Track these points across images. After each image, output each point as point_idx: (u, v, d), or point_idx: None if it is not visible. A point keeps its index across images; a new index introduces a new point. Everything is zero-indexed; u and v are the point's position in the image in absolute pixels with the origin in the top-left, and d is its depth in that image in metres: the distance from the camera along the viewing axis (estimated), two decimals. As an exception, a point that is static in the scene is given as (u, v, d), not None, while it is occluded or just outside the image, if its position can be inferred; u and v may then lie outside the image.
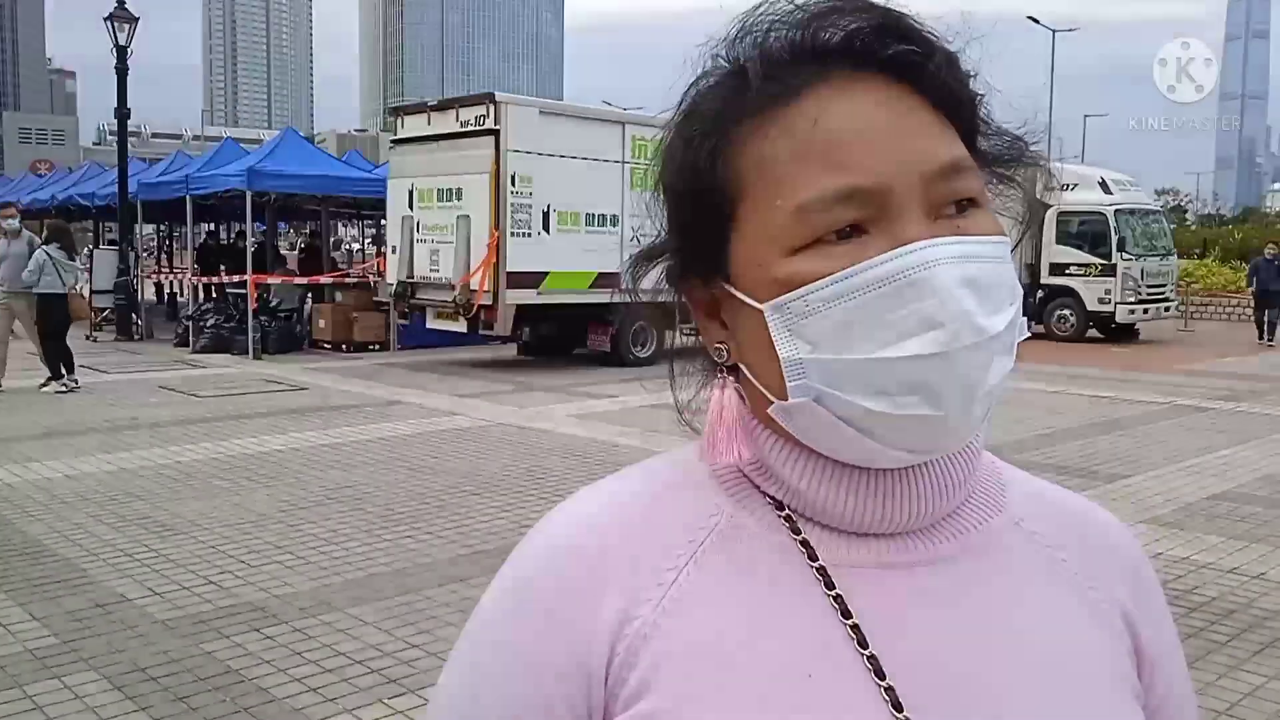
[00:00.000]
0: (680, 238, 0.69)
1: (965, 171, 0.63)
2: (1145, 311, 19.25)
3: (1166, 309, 19.99)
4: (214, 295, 17.12)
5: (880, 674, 0.62)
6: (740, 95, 0.64)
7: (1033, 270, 19.64)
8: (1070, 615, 0.69)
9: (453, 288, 13.19)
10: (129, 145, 18.68)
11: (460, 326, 13.60)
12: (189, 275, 18.31)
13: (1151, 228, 20.06)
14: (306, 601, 4.74)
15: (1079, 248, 19.14)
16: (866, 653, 0.62)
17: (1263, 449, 8.71)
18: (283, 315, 15.88)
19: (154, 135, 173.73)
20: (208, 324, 15.48)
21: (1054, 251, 19.30)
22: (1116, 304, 18.78)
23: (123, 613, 4.55)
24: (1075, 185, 19.64)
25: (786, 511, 0.67)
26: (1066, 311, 19.34)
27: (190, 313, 16.48)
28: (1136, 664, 0.71)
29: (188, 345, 15.44)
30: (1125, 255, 18.76)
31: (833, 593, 0.64)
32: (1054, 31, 42.51)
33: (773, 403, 0.64)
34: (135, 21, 17.45)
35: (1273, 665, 4.20)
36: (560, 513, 0.70)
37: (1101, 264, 18.82)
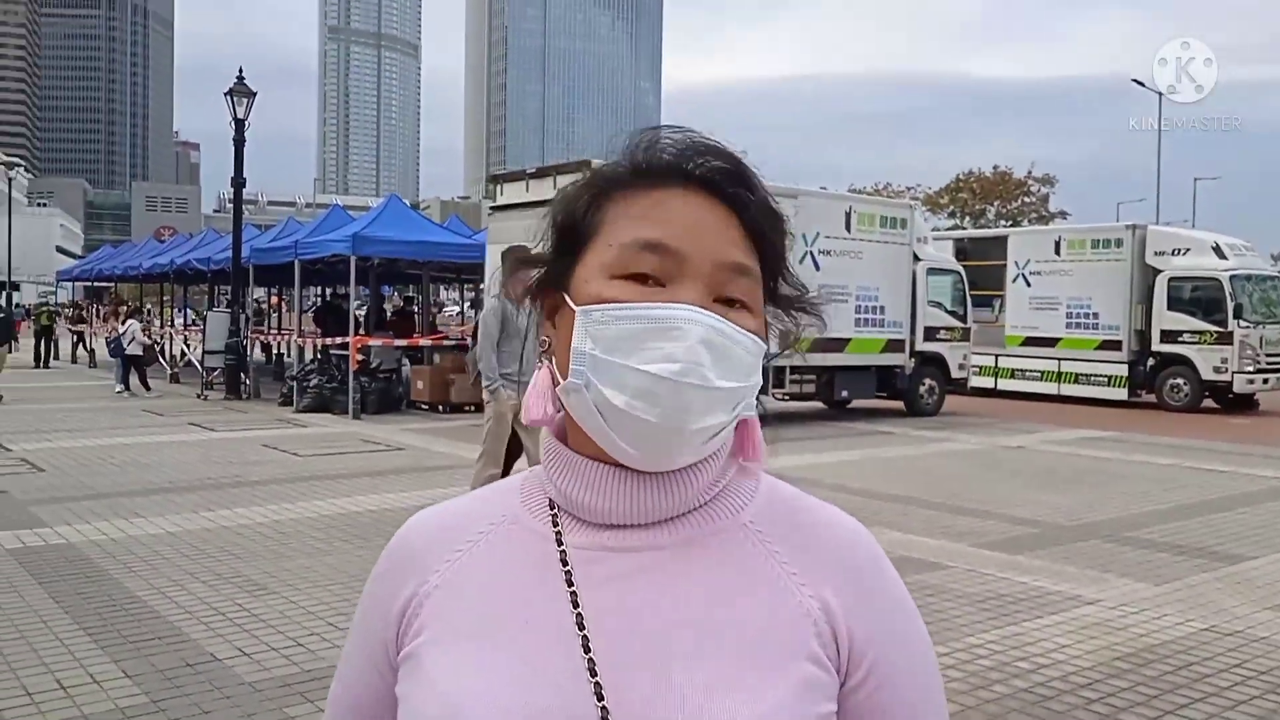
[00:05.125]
0: (552, 257, 0.90)
1: (746, 277, 0.86)
2: (1265, 381, 18.34)
3: (1288, 378, 19.02)
4: (318, 356, 17.61)
5: (581, 625, 0.83)
6: (624, 177, 0.88)
7: (1142, 337, 18.96)
8: (762, 595, 0.85)
9: (547, 351, 13.26)
10: (245, 212, 19.50)
11: (554, 389, 13.63)
12: (295, 336, 18.88)
13: (1270, 294, 19.19)
14: (391, 667, 4.70)
15: (1192, 314, 18.42)
16: (576, 611, 0.84)
17: (1403, 531, 8.09)
18: (382, 376, 16.22)
19: (270, 203, 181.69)
20: (310, 384, 15.89)
21: (1165, 318, 18.61)
22: (1234, 373, 17.95)
23: (211, 673, 4.58)
24: (1187, 250, 18.98)
25: (554, 511, 0.90)
26: (1180, 380, 18.57)
27: (295, 373, 16.96)
28: (836, 649, 0.85)
29: (291, 404, 15.87)
30: (1243, 322, 17.96)
31: (566, 568, 0.86)
32: (1160, 94, 41.52)
33: (560, 384, 0.86)
34: (253, 96, 18.32)
35: None
36: (405, 522, 0.97)
37: (1217, 331, 18.06)
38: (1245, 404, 18.64)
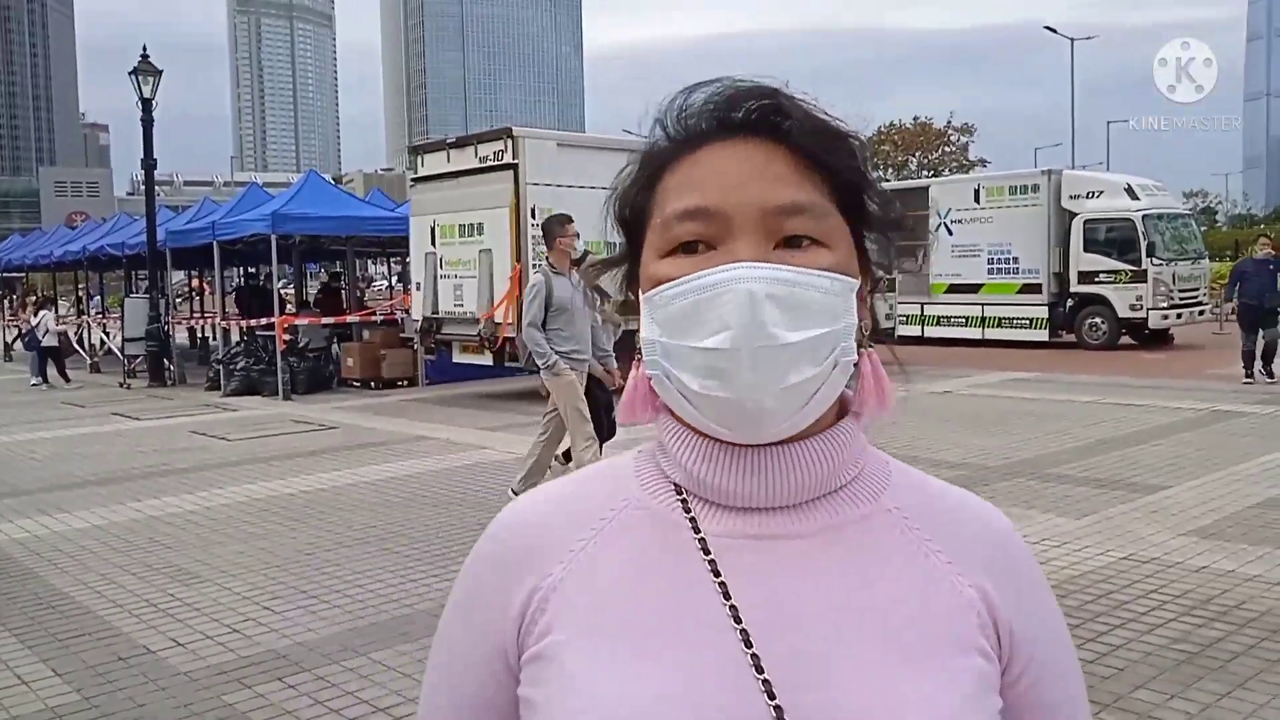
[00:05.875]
0: (625, 255, 0.88)
1: (805, 214, 0.79)
2: (1179, 316, 18.95)
3: (1200, 313, 19.67)
4: (244, 338, 17.25)
5: (738, 619, 0.78)
6: (666, 150, 0.84)
7: (1061, 279, 19.42)
8: (920, 585, 0.81)
9: (477, 321, 13.20)
10: (161, 194, 18.94)
11: (486, 360, 13.60)
12: (218, 319, 18.49)
13: (1181, 231, 19.78)
14: (331, 648, 4.69)
15: (1108, 255, 18.91)
16: (729, 603, 0.78)
17: (1307, 454, 8.47)
18: (311, 355, 15.96)
19: (186, 183, 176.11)
20: (238, 367, 15.58)
21: (1082, 259, 19.08)
22: (1149, 310, 18.50)
23: (145, 665, 4.52)
24: (1101, 193, 19.43)
25: (683, 496, 0.84)
26: (1098, 319, 19.09)
27: (220, 356, 16.62)
28: (998, 639, 0.82)
29: (219, 389, 15.57)
30: (1155, 260, 18.49)
31: (708, 558, 0.81)
32: (1072, 40, 42.28)
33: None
34: (159, 74, 17.75)
35: (1326, 682, 4.04)
36: (504, 509, 0.90)
37: (1132, 270, 18.58)
38: (1160, 339, 19.23)
